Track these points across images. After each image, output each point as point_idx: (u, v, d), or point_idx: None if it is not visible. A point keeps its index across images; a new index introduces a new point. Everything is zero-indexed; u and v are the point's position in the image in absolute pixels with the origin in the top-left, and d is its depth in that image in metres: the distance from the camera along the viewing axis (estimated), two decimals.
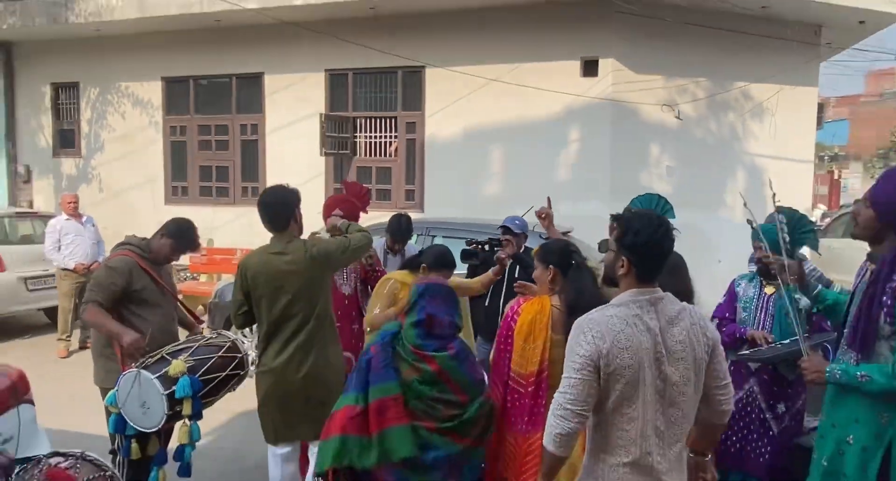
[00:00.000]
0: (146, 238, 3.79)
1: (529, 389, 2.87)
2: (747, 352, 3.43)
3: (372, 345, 2.81)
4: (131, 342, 3.31)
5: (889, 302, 2.54)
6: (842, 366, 2.64)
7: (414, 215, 5.65)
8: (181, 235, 3.76)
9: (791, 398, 3.57)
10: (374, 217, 9.38)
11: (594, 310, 2.22)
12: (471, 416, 2.72)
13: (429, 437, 2.67)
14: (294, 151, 10.66)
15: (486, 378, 2.91)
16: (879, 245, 2.68)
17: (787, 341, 3.28)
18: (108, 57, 11.75)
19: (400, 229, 5.13)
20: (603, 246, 4.15)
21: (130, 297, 3.55)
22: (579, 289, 2.89)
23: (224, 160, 11.39)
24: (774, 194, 3.22)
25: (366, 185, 12.00)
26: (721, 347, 2.27)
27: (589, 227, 7.73)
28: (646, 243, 2.17)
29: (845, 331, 2.78)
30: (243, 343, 3.66)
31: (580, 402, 2.13)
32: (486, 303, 4.75)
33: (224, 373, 3.41)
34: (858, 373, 2.54)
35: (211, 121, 11.41)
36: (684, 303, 2.26)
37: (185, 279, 9.99)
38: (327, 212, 4.46)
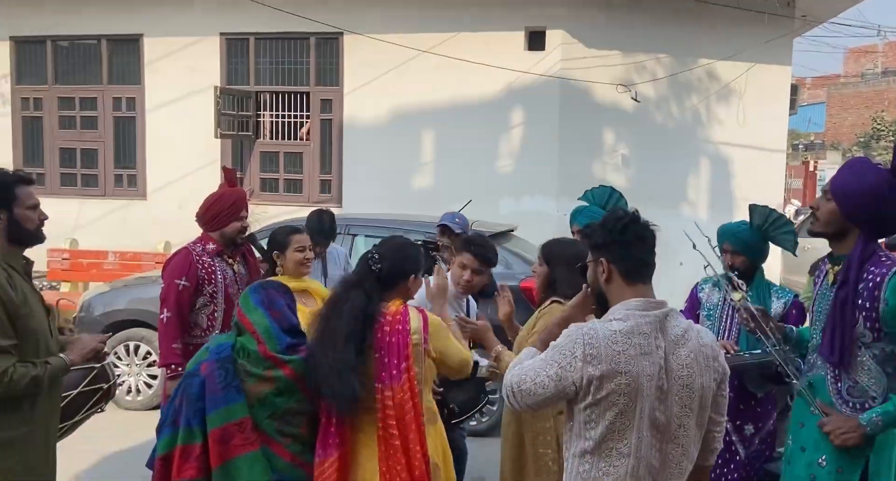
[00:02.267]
0: None
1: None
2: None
3: (202, 363, 2.76)
4: None
5: (867, 304, 2.67)
6: (878, 411, 2.68)
7: (331, 210, 5.70)
8: None
9: (760, 418, 3.73)
10: (284, 213, 9.42)
11: (596, 321, 2.25)
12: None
13: (282, 467, 2.72)
14: (182, 132, 10.51)
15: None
16: (840, 243, 2.81)
17: (757, 352, 3.45)
18: None
19: (322, 228, 5.17)
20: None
21: None
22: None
23: (92, 141, 11.12)
24: (716, 248, 3.37)
25: (272, 175, 11.91)
26: (727, 380, 2.32)
27: (533, 225, 7.97)
28: (621, 231, 2.24)
29: (813, 340, 2.94)
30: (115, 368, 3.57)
31: (531, 399, 2.20)
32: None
33: (79, 416, 3.31)
34: None
35: (75, 93, 11.11)
36: (689, 321, 2.30)
37: (41, 288, 9.70)
38: (233, 215, 4.13)
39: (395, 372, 2.80)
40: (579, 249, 2.88)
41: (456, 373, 3.05)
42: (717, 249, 3.54)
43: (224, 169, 4.82)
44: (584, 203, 4.37)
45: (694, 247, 3.32)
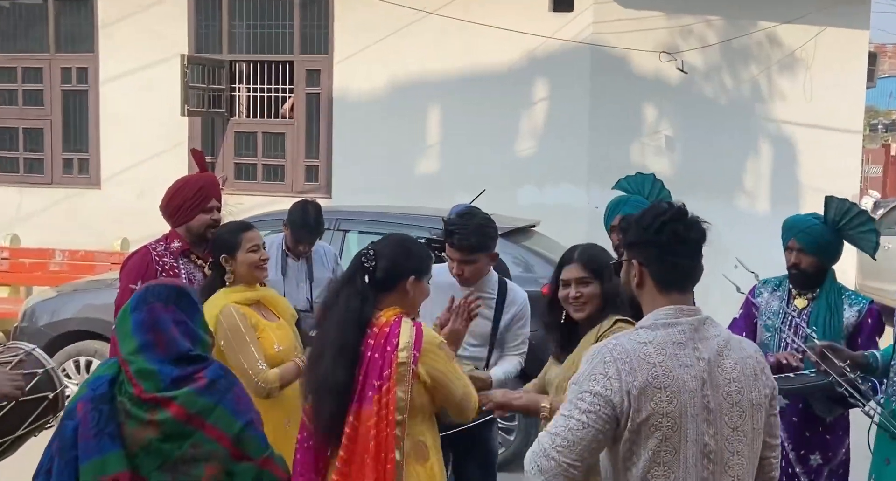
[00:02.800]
0: None
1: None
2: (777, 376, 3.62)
3: (79, 401, 2.65)
4: None
5: None
6: None
7: (319, 202, 5.72)
8: None
9: (829, 446, 3.75)
10: (263, 204, 9.41)
11: (619, 334, 2.28)
12: None
13: None
14: (142, 109, 10.52)
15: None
16: None
17: (823, 370, 3.44)
18: None
19: (306, 222, 5.18)
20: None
21: None
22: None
23: (37, 120, 11.16)
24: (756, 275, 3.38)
25: (249, 159, 11.93)
26: (777, 396, 2.34)
27: (559, 220, 7.95)
28: (657, 230, 2.24)
29: None
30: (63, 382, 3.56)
31: (573, 453, 2.11)
32: None
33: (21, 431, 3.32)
34: None
35: (16, 62, 11.15)
36: (727, 329, 2.34)
37: None
38: (199, 206, 4.11)
39: (370, 393, 2.76)
40: None
41: (455, 412, 2.95)
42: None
43: (193, 151, 4.82)
44: (620, 192, 4.37)
45: (738, 290, 3.35)
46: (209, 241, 4.11)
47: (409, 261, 2.97)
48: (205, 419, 2.59)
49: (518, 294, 3.98)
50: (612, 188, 4.45)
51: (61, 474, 2.58)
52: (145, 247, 4.14)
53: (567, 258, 3.20)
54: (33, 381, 3.32)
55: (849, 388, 3.12)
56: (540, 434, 2.23)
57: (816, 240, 3.71)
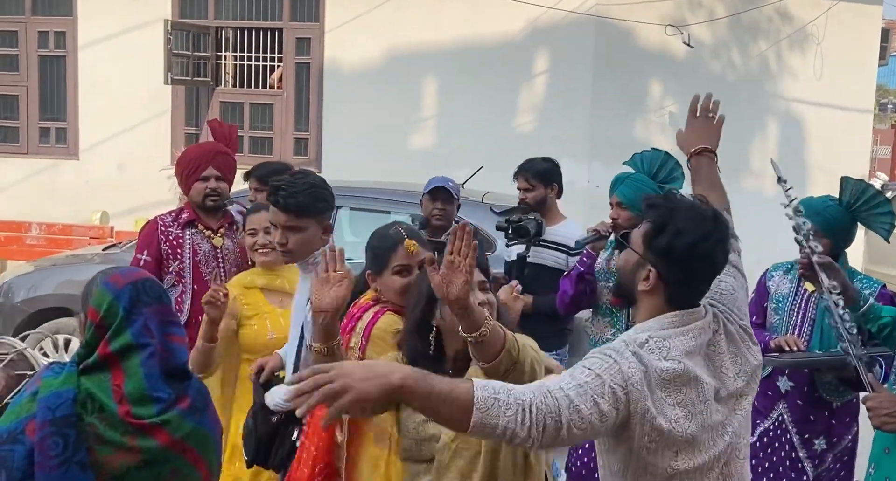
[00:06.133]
0: None
1: None
2: (776, 354, 3.64)
3: (27, 421, 2.31)
4: None
5: None
6: None
7: None
8: None
9: (835, 432, 3.77)
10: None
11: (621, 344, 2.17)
12: None
13: None
14: (123, 76, 10.46)
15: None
16: None
17: (836, 351, 3.51)
18: None
19: (273, 170, 5.17)
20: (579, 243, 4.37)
21: None
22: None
23: (12, 86, 11.10)
24: (790, 191, 3.38)
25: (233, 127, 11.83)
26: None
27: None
28: (691, 248, 2.13)
29: None
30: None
31: (578, 413, 2.00)
32: None
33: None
34: None
35: None
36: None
37: None
38: (193, 175, 4.28)
39: None
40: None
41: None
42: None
43: (211, 123, 4.82)
44: (629, 170, 4.36)
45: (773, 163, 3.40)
46: (216, 211, 4.32)
47: (367, 256, 3.02)
48: (186, 442, 2.39)
49: None
50: (623, 163, 4.43)
51: None
52: (156, 217, 4.37)
53: None
54: (5, 362, 3.31)
55: (860, 370, 3.14)
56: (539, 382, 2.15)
57: (831, 223, 3.71)
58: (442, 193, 4.82)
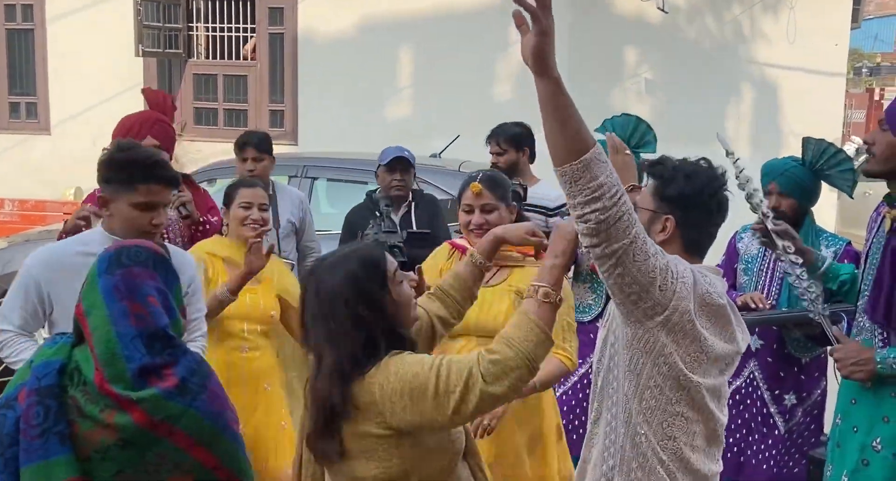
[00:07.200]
0: None
1: None
2: (743, 313, 3.75)
3: (21, 388, 2.31)
4: None
5: None
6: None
7: (284, 149, 5.77)
8: None
9: (804, 387, 3.90)
10: (224, 152, 9.34)
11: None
12: None
13: None
14: (93, 49, 10.41)
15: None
16: None
17: (797, 310, 3.63)
18: None
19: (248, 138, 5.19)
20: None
21: None
22: None
23: None
24: (737, 162, 3.44)
25: (209, 103, 11.77)
26: None
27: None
28: (701, 191, 2.32)
29: (861, 300, 3.08)
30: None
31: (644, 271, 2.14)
32: None
33: None
34: None
35: None
36: None
37: None
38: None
39: None
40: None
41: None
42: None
43: (145, 91, 4.84)
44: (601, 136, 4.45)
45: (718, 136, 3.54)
46: None
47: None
48: (173, 425, 2.25)
49: (187, 257, 3.47)
50: (595, 130, 4.50)
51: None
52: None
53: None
54: None
55: (826, 326, 3.26)
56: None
57: (795, 182, 3.80)
58: (401, 163, 4.85)
